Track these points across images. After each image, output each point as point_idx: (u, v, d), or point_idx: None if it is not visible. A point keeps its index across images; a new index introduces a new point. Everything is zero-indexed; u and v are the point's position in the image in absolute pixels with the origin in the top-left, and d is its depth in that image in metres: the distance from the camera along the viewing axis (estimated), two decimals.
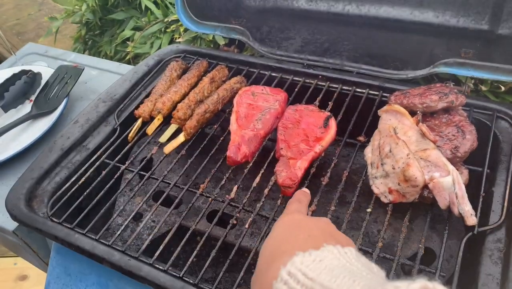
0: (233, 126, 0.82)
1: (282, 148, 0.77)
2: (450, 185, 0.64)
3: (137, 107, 0.93)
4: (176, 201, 0.76)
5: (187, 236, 0.70)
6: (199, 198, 0.86)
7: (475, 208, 0.66)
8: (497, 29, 1.03)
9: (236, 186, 0.76)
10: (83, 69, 1.14)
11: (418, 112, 0.72)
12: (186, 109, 0.87)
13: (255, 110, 0.85)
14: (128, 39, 1.79)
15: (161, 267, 0.66)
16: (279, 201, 0.73)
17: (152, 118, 0.89)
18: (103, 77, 1.24)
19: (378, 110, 0.77)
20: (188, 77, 0.95)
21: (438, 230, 0.73)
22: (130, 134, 0.87)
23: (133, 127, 0.88)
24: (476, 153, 0.75)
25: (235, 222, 0.72)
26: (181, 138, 0.84)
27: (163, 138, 0.85)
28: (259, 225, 0.80)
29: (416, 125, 0.70)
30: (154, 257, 0.67)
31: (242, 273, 0.64)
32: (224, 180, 0.77)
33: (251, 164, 0.80)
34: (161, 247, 0.68)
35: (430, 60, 0.94)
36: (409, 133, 0.70)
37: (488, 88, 1.07)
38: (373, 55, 1.00)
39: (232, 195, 0.75)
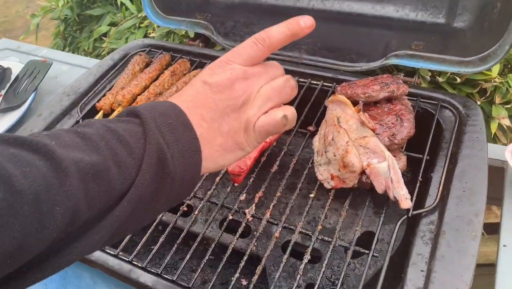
0: None
1: None
2: (386, 170, 0.67)
3: (100, 100, 0.96)
4: None
5: (153, 226, 0.73)
6: None
7: (413, 192, 0.70)
8: (452, 23, 1.07)
9: None
10: (51, 63, 1.16)
11: (360, 101, 0.75)
12: (145, 101, 0.89)
13: None
14: (105, 35, 1.81)
15: (111, 252, 0.69)
16: (229, 188, 0.76)
17: (113, 110, 0.92)
18: (74, 72, 1.26)
19: (325, 101, 0.80)
20: (149, 71, 0.97)
21: (381, 214, 0.77)
22: None
23: None
24: (422, 140, 0.79)
25: (185, 209, 0.75)
26: None
27: None
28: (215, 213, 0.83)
29: (358, 114, 0.73)
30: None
31: (188, 256, 0.67)
32: None
33: None
34: None
35: (384, 53, 0.97)
36: (350, 122, 0.73)
37: (445, 80, 1.11)
38: (331, 48, 1.03)
39: None
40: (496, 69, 1.09)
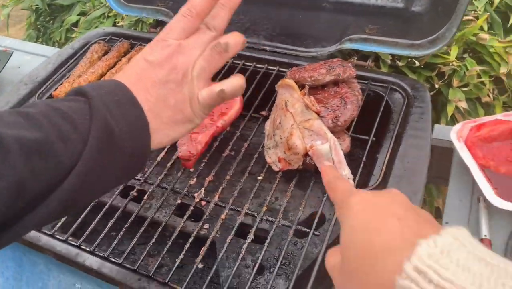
0: None
1: None
2: (327, 151, 0.69)
3: (57, 89, 0.95)
4: None
5: (104, 211, 0.74)
6: None
7: (357, 173, 0.72)
8: (410, 7, 1.08)
9: None
10: (12, 53, 1.16)
11: (306, 85, 0.76)
12: None
13: None
14: (76, 25, 1.79)
15: (60, 238, 0.70)
16: (179, 173, 0.77)
17: None
18: (37, 62, 1.25)
19: (276, 86, 0.81)
20: (106, 58, 0.97)
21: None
22: None
23: None
24: (373, 122, 0.80)
25: (135, 194, 0.75)
26: None
27: None
28: (168, 198, 0.83)
29: (303, 97, 0.74)
30: (55, 229, 0.70)
31: (134, 240, 0.68)
32: None
33: None
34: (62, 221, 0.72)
35: (340, 37, 0.98)
36: (296, 105, 0.74)
37: (405, 64, 1.12)
38: (289, 34, 1.04)
39: None
40: (454, 52, 1.11)
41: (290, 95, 0.77)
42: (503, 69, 1.09)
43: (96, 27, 1.63)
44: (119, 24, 1.55)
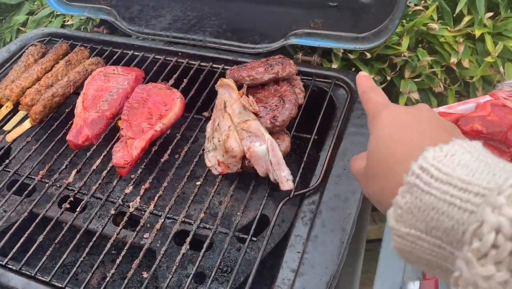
0: (77, 109, 0.81)
1: (122, 128, 0.77)
2: (265, 153, 0.66)
3: None
4: (16, 186, 0.75)
5: (35, 223, 0.69)
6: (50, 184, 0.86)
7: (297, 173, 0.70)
8: None
9: (75, 170, 0.76)
10: None
11: (244, 85, 0.74)
12: (34, 94, 0.84)
13: (104, 91, 0.84)
14: (25, 24, 1.71)
15: None
16: (115, 182, 0.74)
17: (1, 106, 0.87)
18: None
19: (216, 86, 0.78)
20: (42, 62, 0.92)
21: (275, 196, 0.76)
22: None
23: None
24: (317, 120, 0.78)
25: (68, 206, 0.71)
26: (26, 125, 0.82)
27: (8, 126, 0.83)
28: (107, 208, 0.80)
29: (241, 98, 0.71)
30: None
31: (65, 254, 0.64)
32: (65, 165, 0.77)
33: (95, 146, 0.79)
34: None
35: (286, 33, 0.95)
36: (234, 106, 0.71)
37: (356, 56, 1.11)
38: (235, 30, 1.01)
39: (70, 179, 0.75)
40: (405, 43, 1.10)
41: (229, 95, 0.74)
42: (453, 59, 1.09)
43: (46, 26, 1.56)
44: (68, 23, 1.49)
